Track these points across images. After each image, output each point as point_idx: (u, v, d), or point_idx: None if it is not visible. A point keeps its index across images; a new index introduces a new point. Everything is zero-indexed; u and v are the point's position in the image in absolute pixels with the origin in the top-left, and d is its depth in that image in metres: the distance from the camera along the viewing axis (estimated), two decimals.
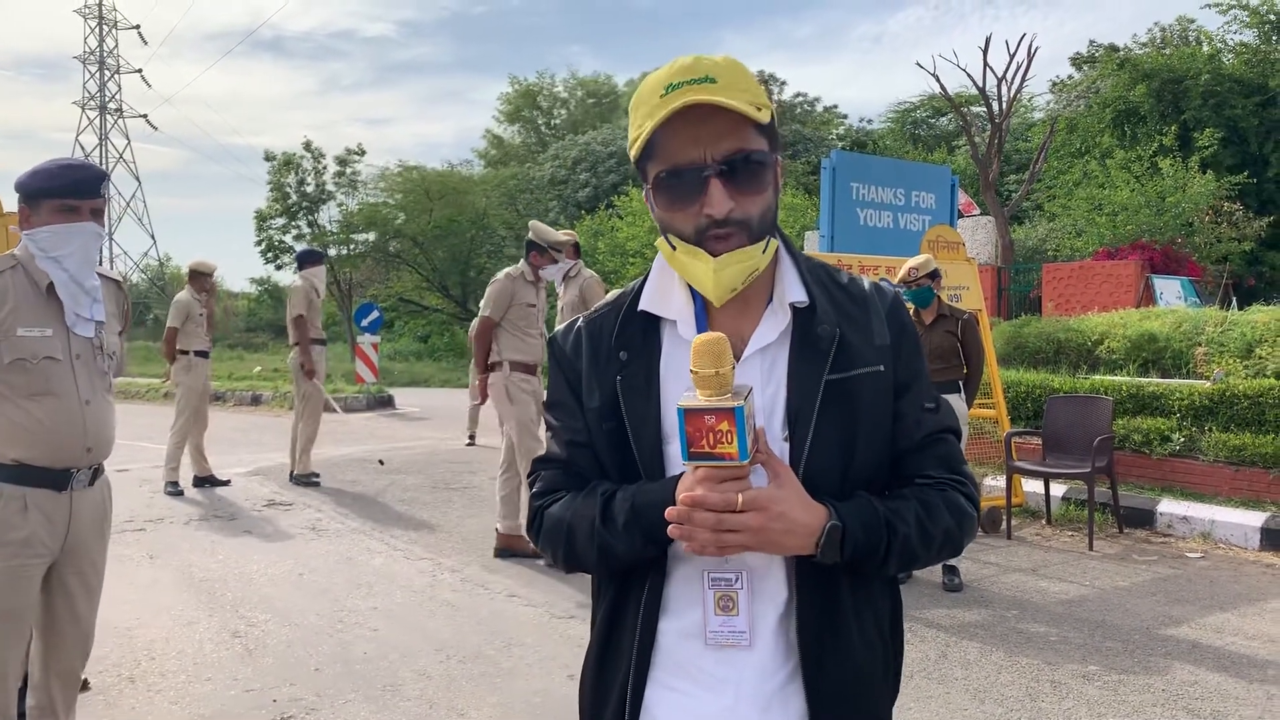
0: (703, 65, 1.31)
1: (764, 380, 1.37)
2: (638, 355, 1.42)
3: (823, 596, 1.35)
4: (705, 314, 1.40)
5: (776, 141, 1.38)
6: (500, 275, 6.54)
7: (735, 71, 1.32)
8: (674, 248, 1.38)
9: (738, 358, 1.35)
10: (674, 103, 1.28)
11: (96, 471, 2.98)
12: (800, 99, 39.69)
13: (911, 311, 6.25)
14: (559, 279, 7.27)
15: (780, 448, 1.35)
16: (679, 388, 1.32)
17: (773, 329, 1.39)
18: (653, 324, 1.44)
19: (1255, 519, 6.93)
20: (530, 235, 6.52)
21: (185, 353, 8.75)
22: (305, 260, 9.32)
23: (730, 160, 1.31)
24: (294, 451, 9.24)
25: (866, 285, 1.45)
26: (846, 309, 1.40)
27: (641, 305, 1.44)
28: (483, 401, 6.71)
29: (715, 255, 1.33)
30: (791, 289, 1.40)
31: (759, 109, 1.31)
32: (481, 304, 6.53)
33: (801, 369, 1.36)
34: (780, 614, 1.36)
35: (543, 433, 7.24)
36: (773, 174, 1.37)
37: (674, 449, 1.35)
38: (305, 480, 9.02)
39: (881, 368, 1.39)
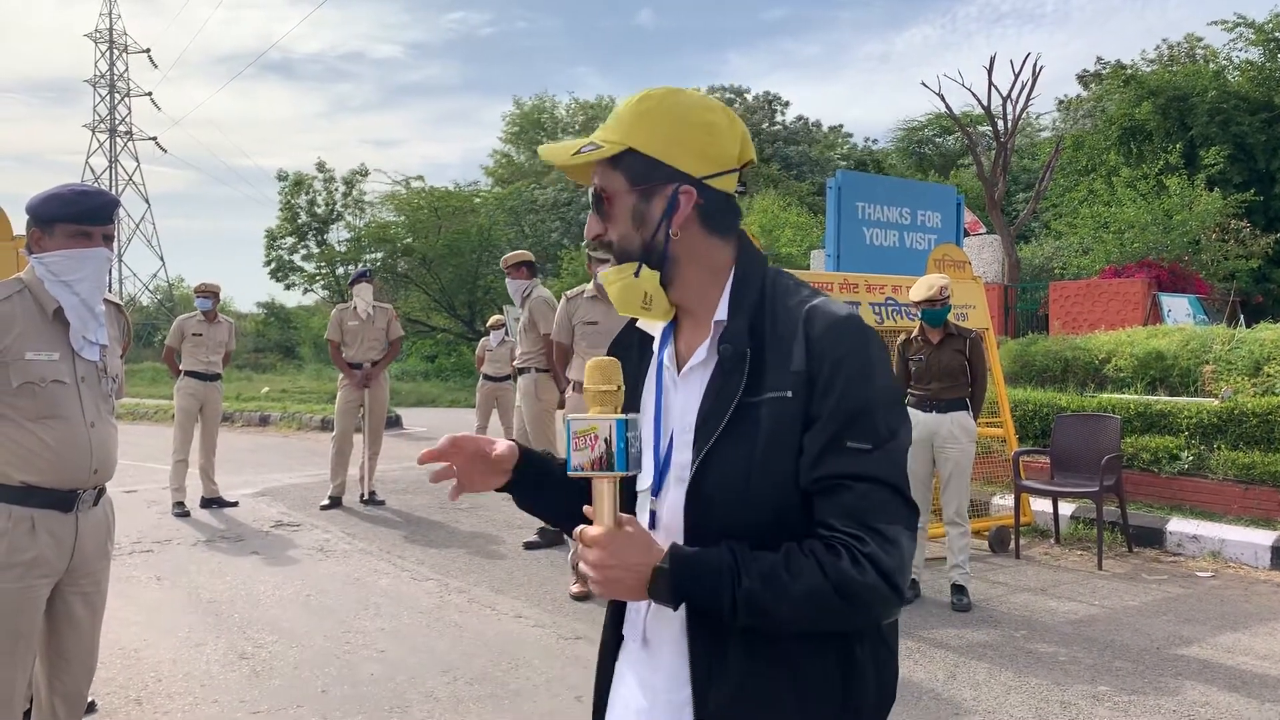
0: (613, 111, 1.46)
1: (697, 395, 1.41)
2: (631, 365, 1.53)
3: (711, 636, 1.34)
4: (673, 331, 1.50)
5: (653, 170, 1.41)
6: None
7: (620, 109, 1.44)
8: None
9: (680, 370, 1.45)
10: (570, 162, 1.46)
11: (100, 492, 3.00)
12: (800, 122, 39.95)
13: (917, 330, 6.24)
14: (517, 297, 7.37)
15: (685, 457, 1.39)
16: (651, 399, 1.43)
17: (706, 347, 1.43)
18: (649, 338, 1.53)
19: (1265, 538, 6.89)
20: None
21: (180, 373, 8.85)
22: (351, 280, 9.48)
23: (593, 193, 1.46)
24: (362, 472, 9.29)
25: (807, 310, 1.37)
26: (771, 331, 1.37)
27: (639, 323, 1.54)
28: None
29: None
30: (721, 308, 1.43)
31: (600, 145, 1.41)
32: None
33: (718, 385, 1.38)
34: (679, 630, 1.39)
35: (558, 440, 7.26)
36: (629, 203, 1.42)
37: (644, 457, 1.45)
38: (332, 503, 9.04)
39: (789, 394, 1.32)
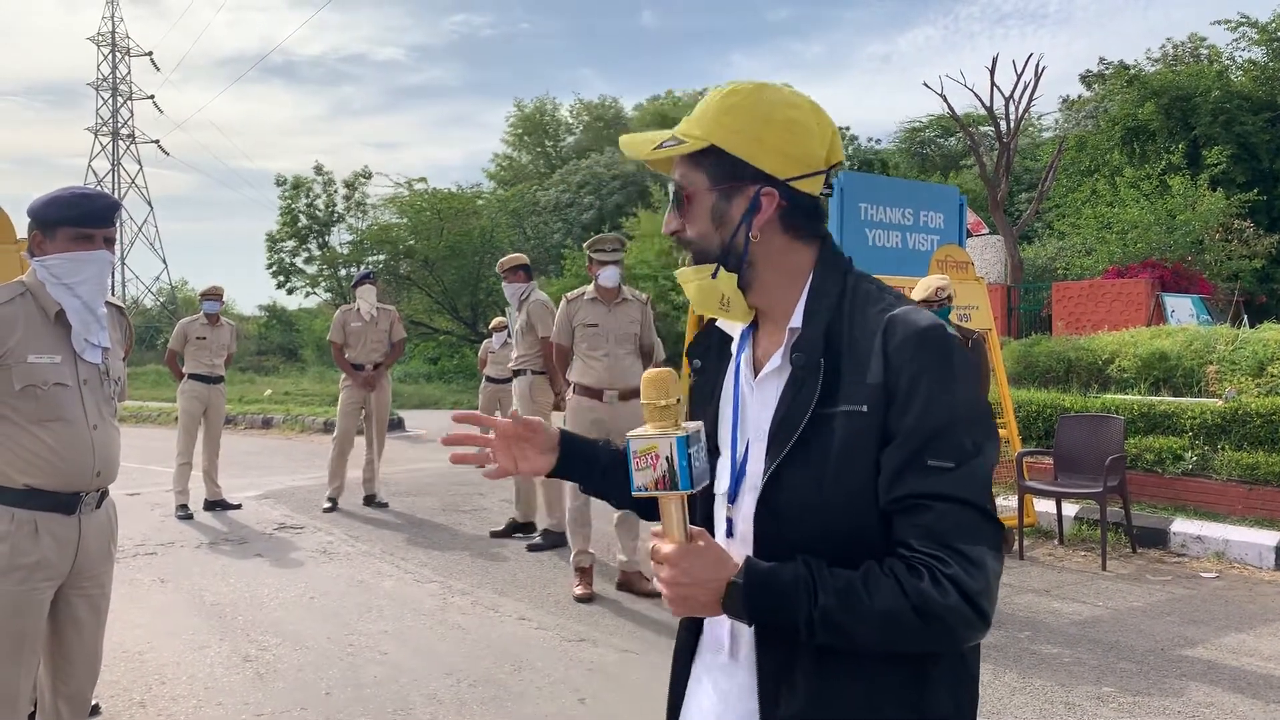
0: (700, 104, 1.42)
1: (772, 402, 1.37)
2: (711, 365, 1.50)
3: (780, 648, 1.31)
4: (750, 333, 1.46)
5: (736, 169, 1.37)
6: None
7: (706, 103, 1.41)
8: None
9: (756, 376, 1.40)
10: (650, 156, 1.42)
11: (103, 494, 3.00)
12: None
13: None
14: (514, 300, 7.39)
15: (758, 466, 1.35)
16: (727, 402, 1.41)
17: (780, 354, 1.39)
18: (729, 339, 1.50)
19: (1269, 538, 6.88)
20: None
21: (184, 376, 8.89)
22: (355, 282, 9.51)
23: (674, 188, 1.42)
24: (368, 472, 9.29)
25: (886, 319, 1.30)
26: (848, 340, 1.32)
27: (719, 322, 1.51)
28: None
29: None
30: (796, 314, 1.38)
31: (682, 140, 1.38)
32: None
33: (791, 395, 1.33)
34: (752, 640, 1.36)
35: None
36: (708, 201, 1.39)
37: (721, 461, 1.43)
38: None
39: (864, 408, 1.26)
